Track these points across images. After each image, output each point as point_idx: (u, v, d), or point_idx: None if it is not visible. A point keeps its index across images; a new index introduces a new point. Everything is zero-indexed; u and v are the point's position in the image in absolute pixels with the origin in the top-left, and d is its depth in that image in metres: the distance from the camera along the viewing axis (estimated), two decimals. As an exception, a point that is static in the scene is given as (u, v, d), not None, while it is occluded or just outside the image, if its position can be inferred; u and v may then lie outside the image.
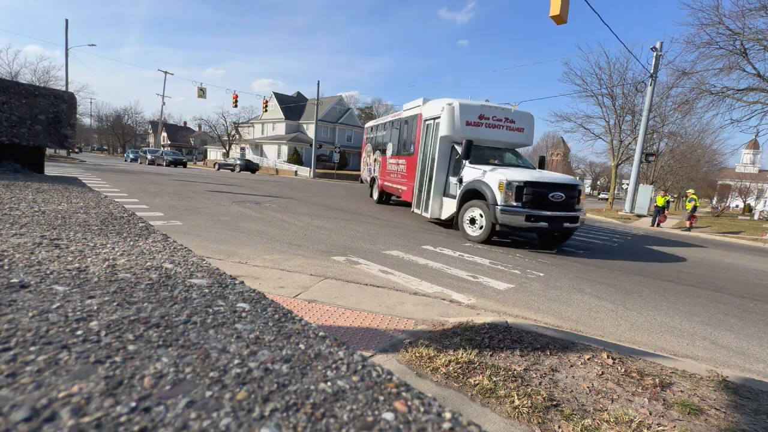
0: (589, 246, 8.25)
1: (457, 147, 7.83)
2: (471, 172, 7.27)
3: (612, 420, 1.91)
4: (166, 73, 42.91)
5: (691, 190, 17.23)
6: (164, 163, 31.99)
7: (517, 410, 1.93)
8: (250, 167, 32.48)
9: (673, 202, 35.97)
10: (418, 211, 9.01)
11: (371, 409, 0.35)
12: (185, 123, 76.65)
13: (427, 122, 8.81)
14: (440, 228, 8.48)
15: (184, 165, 33.08)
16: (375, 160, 12.80)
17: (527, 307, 3.73)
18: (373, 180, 13.04)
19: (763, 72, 16.14)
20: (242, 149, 43.64)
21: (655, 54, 14.92)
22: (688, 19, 34.93)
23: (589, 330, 3.29)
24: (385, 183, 11.54)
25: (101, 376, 0.36)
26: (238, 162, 32.05)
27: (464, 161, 7.52)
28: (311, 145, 34.59)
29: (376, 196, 12.61)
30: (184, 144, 67.32)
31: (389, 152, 11.31)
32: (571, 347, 2.73)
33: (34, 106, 1.71)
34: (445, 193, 8.14)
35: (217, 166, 34.79)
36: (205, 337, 0.45)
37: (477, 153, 7.71)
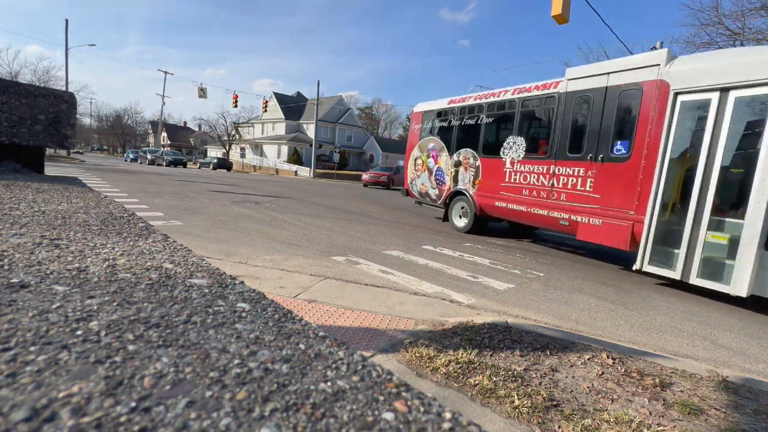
0: (587, 245, 8.25)
1: None
2: None
3: (612, 420, 1.91)
4: (166, 73, 43.02)
5: None
6: (164, 163, 32.45)
7: (517, 410, 1.93)
8: (224, 165, 36.45)
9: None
10: (669, 273, 4.80)
11: (371, 409, 0.35)
12: (185, 123, 76.84)
13: (696, 96, 4.70)
14: (441, 228, 8.45)
15: (184, 165, 33.95)
16: (459, 162, 8.32)
17: (527, 307, 3.73)
18: (453, 195, 8.43)
19: (763, 72, 16.14)
20: (242, 149, 44.09)
21: (655, 54, 14.95)
22: (688, 20, 34.98)
23: (589, 330, 3.29)
24: (500, 204, 7.31)
25: (101, 376, 0.36)
26: (214, 161, 36.80)
27: None
28: (311, 145, 34.71)
29: (464, 222, 8.17)
30: (184, 144, 67.36)
31: (512, 153, 7.17)
32: (571, 347, 2.73)
33: (34, 106, 1.71)
34: None
35: (198, 165, 39.71)
36: (205, 337, 0.45)
37: None
